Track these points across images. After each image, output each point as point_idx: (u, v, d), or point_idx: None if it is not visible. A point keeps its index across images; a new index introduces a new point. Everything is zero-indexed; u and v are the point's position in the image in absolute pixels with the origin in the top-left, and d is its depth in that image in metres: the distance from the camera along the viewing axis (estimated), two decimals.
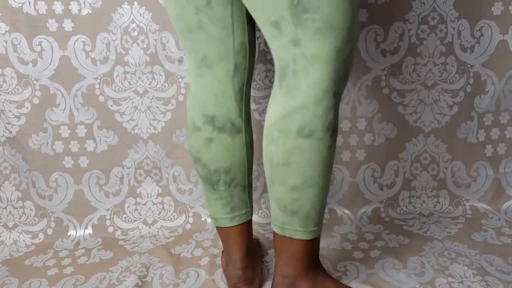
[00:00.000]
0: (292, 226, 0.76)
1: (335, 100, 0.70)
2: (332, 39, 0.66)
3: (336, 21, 0.66)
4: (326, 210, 1.20)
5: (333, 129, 0.72)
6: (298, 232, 0.76)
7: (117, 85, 1.12)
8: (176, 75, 1.12)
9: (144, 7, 1.07)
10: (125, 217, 1.19)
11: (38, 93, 1.12)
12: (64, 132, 1.15)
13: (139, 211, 1.20)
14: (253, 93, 1.14)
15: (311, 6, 0.65)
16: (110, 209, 1.19)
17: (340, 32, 0.66)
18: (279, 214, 0.77)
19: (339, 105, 0.72)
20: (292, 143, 0.71)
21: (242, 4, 0.74)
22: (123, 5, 1.07)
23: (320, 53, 0.67)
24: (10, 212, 1.17)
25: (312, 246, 0.79)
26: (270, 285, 0.87)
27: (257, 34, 1.07)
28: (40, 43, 1.09)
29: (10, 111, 1.12)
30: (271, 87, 1.10)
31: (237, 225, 0.85)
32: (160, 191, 1.20)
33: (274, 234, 0.79)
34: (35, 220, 1.17)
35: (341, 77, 0.70)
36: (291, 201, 0.74)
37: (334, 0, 0.64)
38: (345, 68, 0.70)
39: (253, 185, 1.19)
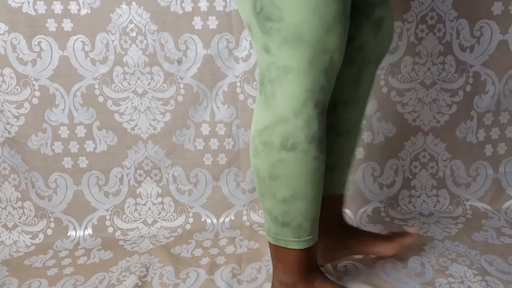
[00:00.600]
0: (285, 237, 0.75)
1: (317, 111, 0.68)
2: (302, 51, 0.64)
3: (304, 34, 0.63)
4: None
5: (318, 140, 0.69)
6: (292, 242, 0.75)
7: (117, 85, 1.12)
8: (175, 75, 1.12)
9: (142, 7, 1.07)
10: (125, 217, 1.19)
11: (37, 93, 1.12)
12: (64, 132, 1.15)
13: (139, 211, 1.20)
14: (253, 93, 1.14)
15: (273, 15, 0.63)
16: (110, 209, 1.19)
17: (311, 45, 0.64)
18: (271, 225, 0.76)
19: (325, 114, 0.71)
20: (275, 156, 0.69)
21: None
22: (121, 5, 1.07)
23: (292, 64, 0.65)
24: (9, 213, 1.17)
25: (308, 253, 0.78)
26: (270, 286, 0.87)
27: None
28: (39, 43, 1.09)
29: (9, 111, 1.12)
30: None
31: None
32: (160, 192, 1.20)
33: (269, 243, 0.79)
34: (34, 221, 1.17)
35: (321, 88, 0.67)
36: (281, 213, 0.73)
37: (298, 13, 0.62)
38: (325, 78, 0.67)
39: (253, 185, 1.19)
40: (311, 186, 0.72)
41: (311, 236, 0.76)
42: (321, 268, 0.93)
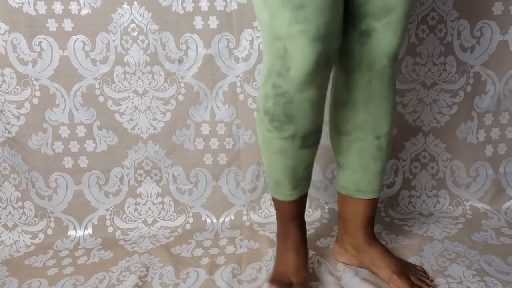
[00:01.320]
0: (270, 186, 0.90)
1: (274, 92, 0.74)
2: (263, 32, 0.73)
3: (257, 15, 0.73)
4: (326, 210, 1.20)
5: (271, 116, 0.77)
6: (269, 189, 0.91)
7: (117, 85, 1.12)
8: (176, 75, 1.12)
9: (144, 7, 1.07)
10: (125, 217, 1.19)
11: (37, 93, 1.12)
12: (64, 132, 1.15)
13: (139, 211, 1.20)
14: (253, 93, 1.14)
15: None
16: (110, 209, 1.19)
17: (266, 28, 0.71)
18: None
19: (287, 100, 0.74)
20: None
21: None
22: (122, 5, 1.07)
23: (262, 42, 0.76)
24: (10, 212, 1.17)
25: (282, 207, 0.90)
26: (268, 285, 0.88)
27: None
28: (39, 43, 1.09)
29: (9, 111, 1.12)
30: None
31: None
32: (160, 191, 1.20)
33: None
34: (35, 220, 1.17)
35: (278, 73, 0.72)
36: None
37: None
38: (282, 65, 0.70)
39: (253, 185, 1.19)
40: (266, 151, 0.84)
41: (278, 192, 0.88)
42: (321, 267, 0.94)
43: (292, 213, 0.90)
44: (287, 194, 0.87)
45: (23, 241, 1.15)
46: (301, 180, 0.87)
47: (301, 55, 0.68)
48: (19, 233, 1.16)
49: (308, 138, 0.80)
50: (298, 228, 0.92)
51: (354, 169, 0.88)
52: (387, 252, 0.92)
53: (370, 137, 0.84)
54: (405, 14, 0.73)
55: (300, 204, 0.91)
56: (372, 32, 0.75)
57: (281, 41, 0.69)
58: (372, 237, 0.93)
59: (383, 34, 0.74)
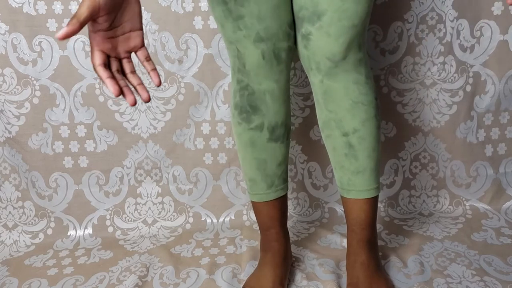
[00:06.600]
0: (247, 189, 0.95)
1: (239, 86, 0.85)
2: (223, 37, 0.84)
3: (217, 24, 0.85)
4: (325, 209, 1.20)
5: (240, 109, 0.85)
6: (249, 196, 0.95)
7: None
8: (176, 75, 1.12)
9: (143, 7, 1.07)
10: (125, 217, 1.19)
11: (38, 93, 1.12)
12: (64, 132, 1.15)
13: (139, 211, 1.20)
14: None
15: None
16: (110, 209, 1.19)
17: (222, 33, 0.83)
18: None
19: (250, 93, 0.84)
20: None
21: None
22: None
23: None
24: (10, 212, 1.18)
25: (257, 209, 0.93)
26: None
27: None
28: (40, 43, 1.09)
29: (9, 111, 1.12)
30: None
31: None
32: (160, 191, 1.20)
33: None
34: (35, 220, 1.17)
35: (239, 69, 0.84)
36: None
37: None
38: (240, 63, 0.82)
39: None
40: (239, 147, 0.89)
41: (254, 193, 0.91)
42: (323, 267, 0.94)
43: (270, 218, 0.92)
44: (262, 194, 0.91)
45: (23, 241, 1.15)
46: (275, 178, 0.90)
47: (249, 52, 0.80)
48: (19, 233, 1.16)
49: (275, 130, 0.87)
50: (278, 237, 0.93)
51: (334, 166, 0.89)
52: (366, 267, 0.87)
53: (337, 133, 0.84)
54: (338, 18, 0.74)
55: (278, 207, 0.92)
56: (309, 35, 0.78)
57: (232, 44, 0.81)
58: (361, 243, 0.89)
59: (318, 37, 0.77)
